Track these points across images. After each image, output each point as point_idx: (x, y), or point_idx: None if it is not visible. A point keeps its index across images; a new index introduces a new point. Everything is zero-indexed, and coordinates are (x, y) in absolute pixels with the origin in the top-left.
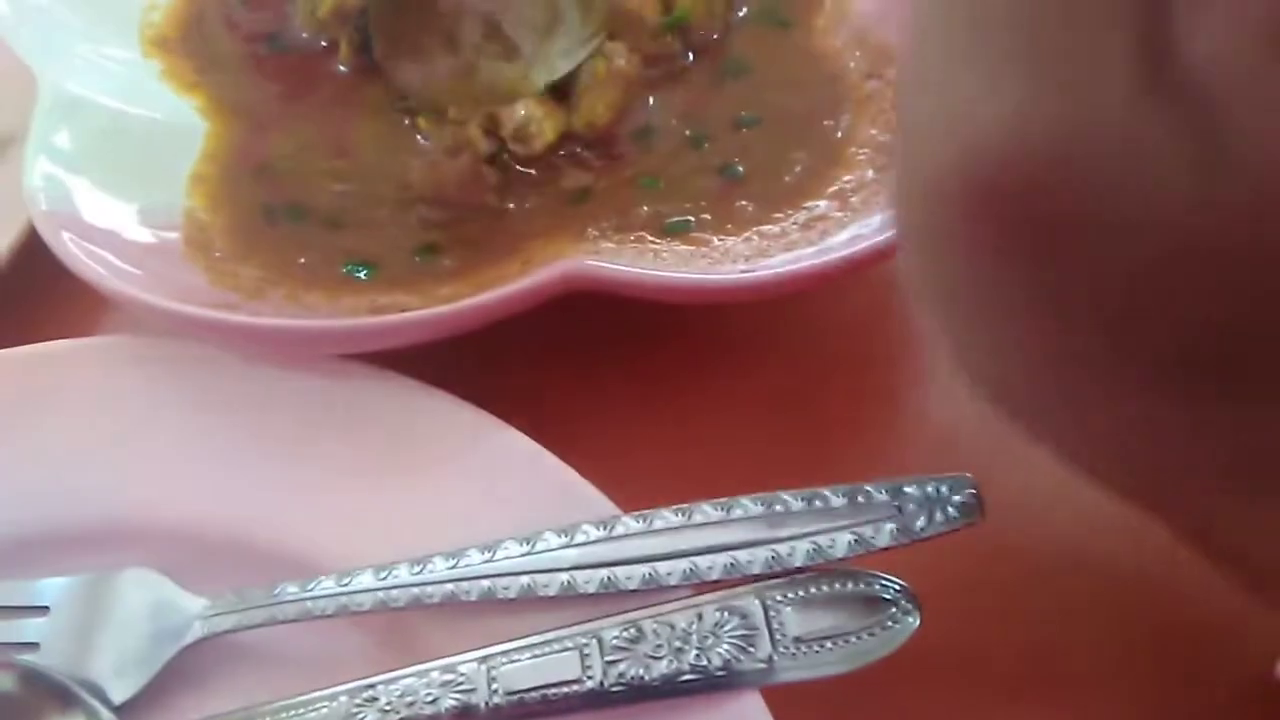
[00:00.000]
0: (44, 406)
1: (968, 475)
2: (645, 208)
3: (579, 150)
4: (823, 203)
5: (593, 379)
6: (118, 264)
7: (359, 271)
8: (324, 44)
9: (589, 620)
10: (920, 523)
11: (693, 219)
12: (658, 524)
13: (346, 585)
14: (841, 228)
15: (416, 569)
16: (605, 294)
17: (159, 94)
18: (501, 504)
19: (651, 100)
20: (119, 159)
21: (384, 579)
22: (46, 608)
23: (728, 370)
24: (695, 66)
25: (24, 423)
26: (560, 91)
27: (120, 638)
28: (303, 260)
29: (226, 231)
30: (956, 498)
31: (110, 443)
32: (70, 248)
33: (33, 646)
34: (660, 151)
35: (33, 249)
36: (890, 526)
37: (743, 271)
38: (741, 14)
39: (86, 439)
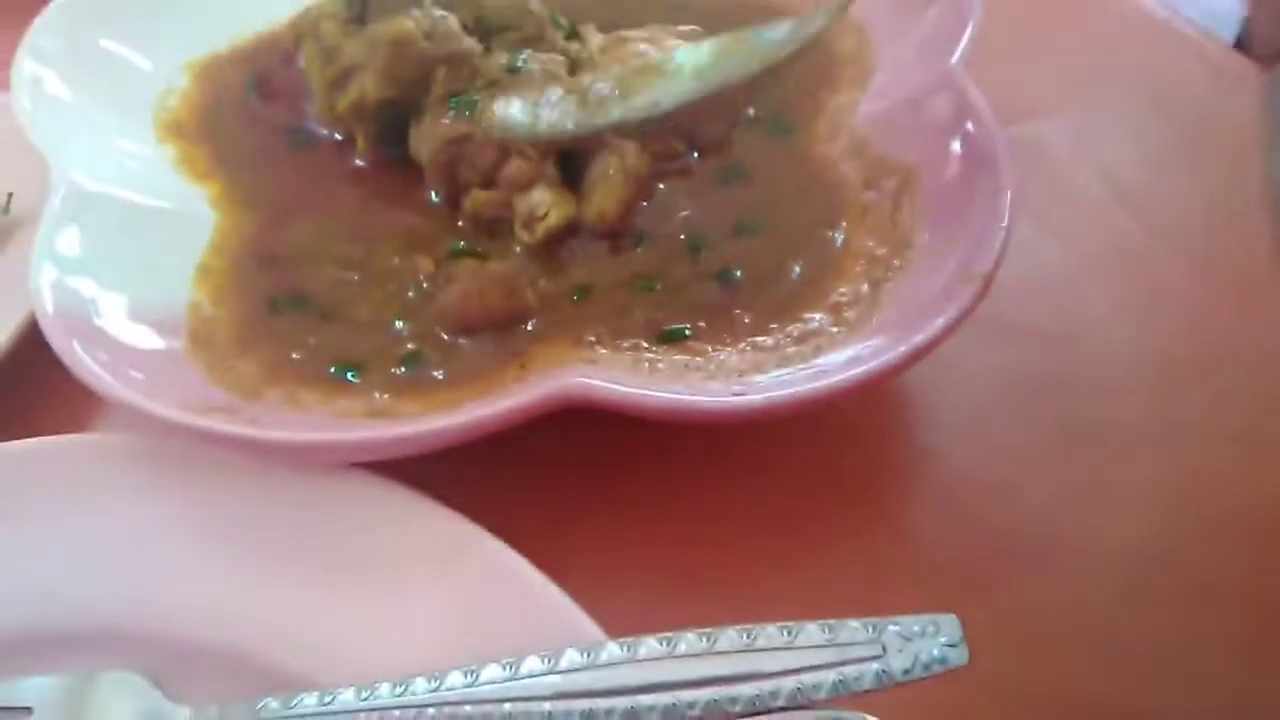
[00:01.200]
0: (32, 502)
1: (952, 616)
2: (640, 312)
3: (580, 244)
4: (818, 315)
5: (579, 489)
6: (120, 368)
7: (347, 374)
8: (339, 138)
9: None
10: (904, 665)
11: (689, 328)
12: (641, 653)
13: (329, 704)
14: (834, 345)
15: (399, 690)
16: (599, 411)
17: (171, 183)
18: (486, 619)
19: (652, 202)
20: (127, 251)
21: (365, 699)
22: (29, 709)
23: (718, 486)
24: (699, 167)
25: (10, 518)
26: (570, 183)
27: None
28: (296, 356)
29: (228, 323)
30: (942, 639)
31: (98, 543)
32: (77, 354)
33: None
34: (659, 254)
35: (33, 338)
36: (874, 668)
37: (735, 393)
38: (750, 114)
39: (73, 538)
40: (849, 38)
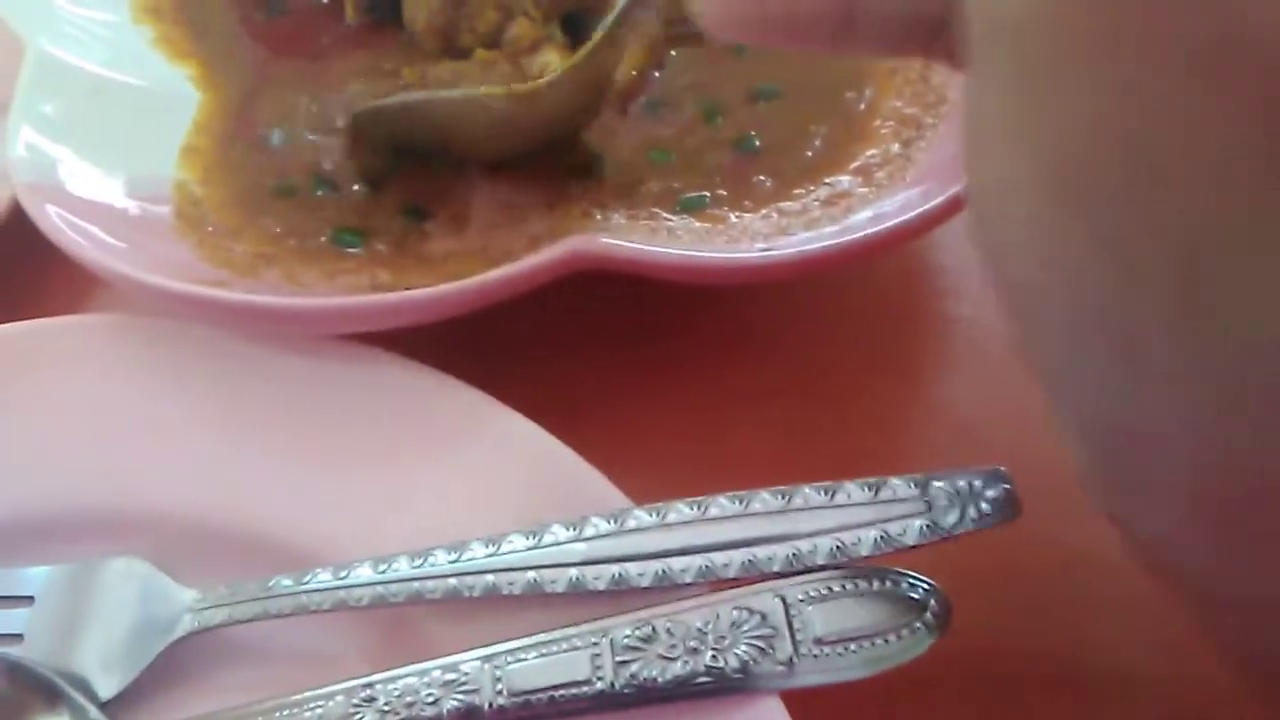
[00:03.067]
0: (27, 386)
1: (1001, 469)
2: (655, 184)
3: None
4: (845, 178)
5: (602, 363)
6: (105, 238)
7: (348, 242)
8: (325, 2)
9: (599, 619)
10: (951, 519)
11: (708, 195)
12: (671, 518)
13: (344, 578)
14: (866, 204)
15: (417, 562)
16: (617, 273)
17: (150, 62)
18: (506, 492)
19: (664, 68)
20: (107, 128)
21: (383, 572)
22: (31, 598)
23: (744, 356)
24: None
25: (4, 403)
26: (576, 46)
27: (107, 630)
28: (293, 242)
29: (220, 206)
30: (990, 492)
31: (96, 425)
32: (55, 220)
33: (16, 638)
34: (672, 122)
35: (19, 222)
36: (919, 523)
37: (763, 250)
38: None
39: (71, 421)
40: None
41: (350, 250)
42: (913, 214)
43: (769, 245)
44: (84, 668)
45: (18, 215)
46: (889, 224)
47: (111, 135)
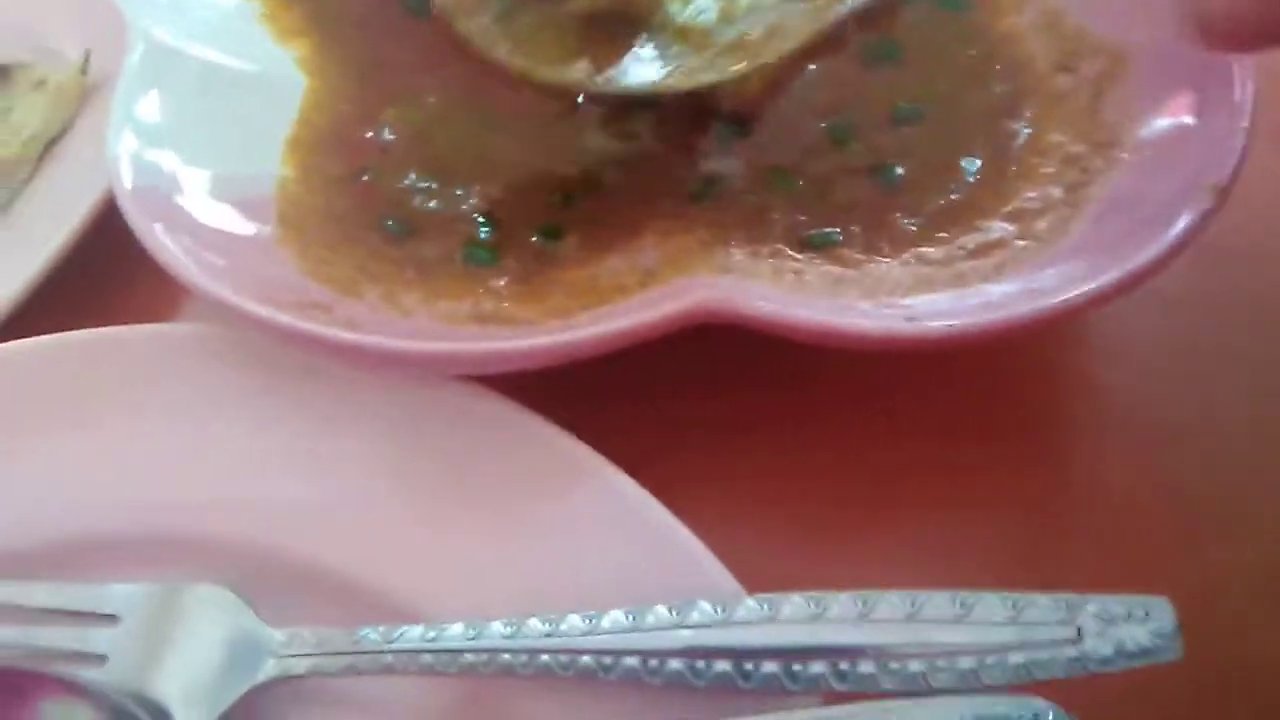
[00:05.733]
0: (116, 397)
1: (1164, 600)
2: (781, 214)
3: (708, 129)
4: (999, 224)
5: (712, 411)
6: (205, 256)
7: (480, 257)
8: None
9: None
10: (1103, 652)
11: (839, 232)
12: (785, 613)
13: (433, 641)
14: (1022, 262)
15: (510, 630)
16: (742, 328)
17: (256, 40)
18: (605, 557)
19: (797, 83)
20: (210, 121)
21: (474, 638)
22: (116, 616)
23: (860, 415)
24: (852, 40)
25: (93, 414)
26: None
27: (192, 660)
28: (394, 257)
29: (319, 212)
30: (1150, 626)
31: (184, 443)
32: (159, 238)
33: (101, 659)
34: (801, 144)
35: (110, 214)
36: (1066, 654)
37: (909, 320)
38: None
39: (159, 437)
40: None
41: (478, 267)
42: (1080, 293)
43: (912, 311)
44: (166, 697)
45: (111, 208)
46: (1051, 303)
47: (214, 129)
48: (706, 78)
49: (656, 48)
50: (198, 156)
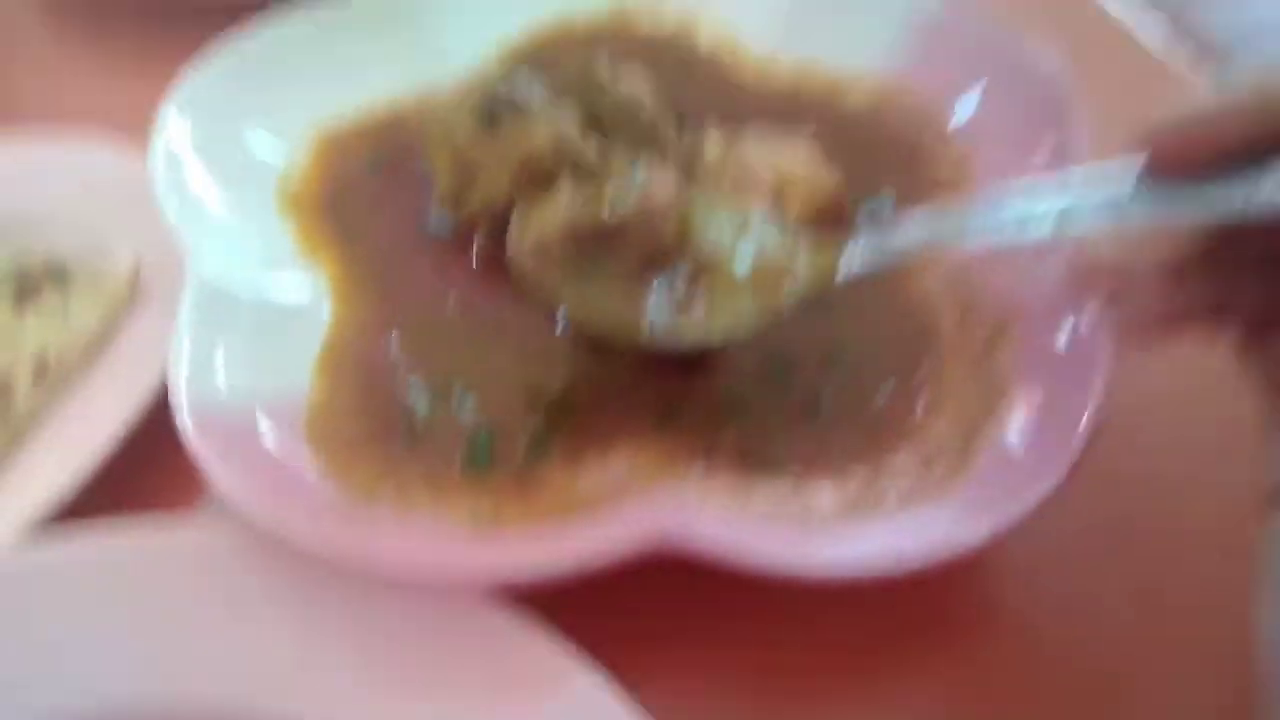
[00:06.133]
0: (133, 592)
1: None
2: (730, 440)
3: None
4: (911, 458)
5: (664, 606)
6: (241, 463)
7: (477, 464)
8: (455, 228)
9: None
10: None
11: (780, 456)
12: None
13: None
14: (928, 495)
15: None
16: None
17: (291, 261)
18: None
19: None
20: (251, 343)
21: None
22: None
23: (797, 616)
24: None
25: (110, 604)
26: None
27: None
28: (406, 455)
29: (342, 417)
30: None
31: (196, 633)
32: (208, 458)
33: None
34: (748, 375)
35: (155, 412)
36: None
37: (831, 555)
38: None
39: (172, 628)
40: (948, 168)
41: (476, 473)
42: (969, 534)
43: (838, 540)
44: None
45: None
46: (952, 538)
47: (256, 352)
48: (734, 332)
49: (685, 282)
50: (243, 376)
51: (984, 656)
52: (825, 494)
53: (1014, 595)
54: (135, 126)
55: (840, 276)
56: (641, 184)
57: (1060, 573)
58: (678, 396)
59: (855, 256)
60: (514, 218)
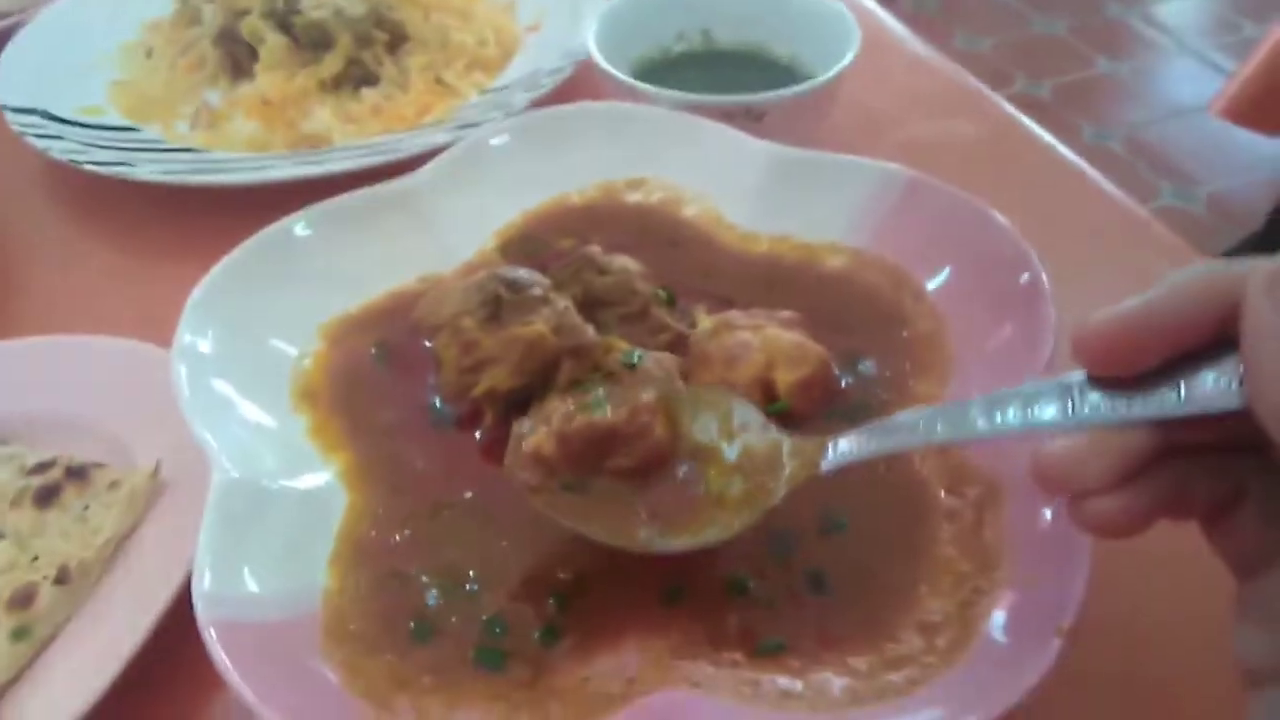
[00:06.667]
0: None
1: None
2: (735, 621)
3: None
4: (911, 636)
5: None
6: (263, 677)
7: (491, 660)
8: (461, 414)
9: None
10: None
11: (785, 641)
12: None
13: None
14: (929, 677)
15: None
16: None
17: (305, 456)
18: None
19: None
20: (270, 542)
21: None
22: None
23: None
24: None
25: None
26: None
27: None
28: (420, 661)
29: (356, 617)
30: None
31: None
32: (230, 672)
33: None
34: (747, 553)
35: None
36: None
37: None
38: (828, 415)
39: None
40: (925, 321)
41: (490, 671)
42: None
43: None
44: None
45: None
46: None
47: (275, 551)
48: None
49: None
50: (260, 584)
51: None
52: (832, 678)
53: None
54: (150, 328)
55: (825, 467)
56: (641, 360)
57: None
58: (682, 579)
59: (837, 449)
60: (513, 430)
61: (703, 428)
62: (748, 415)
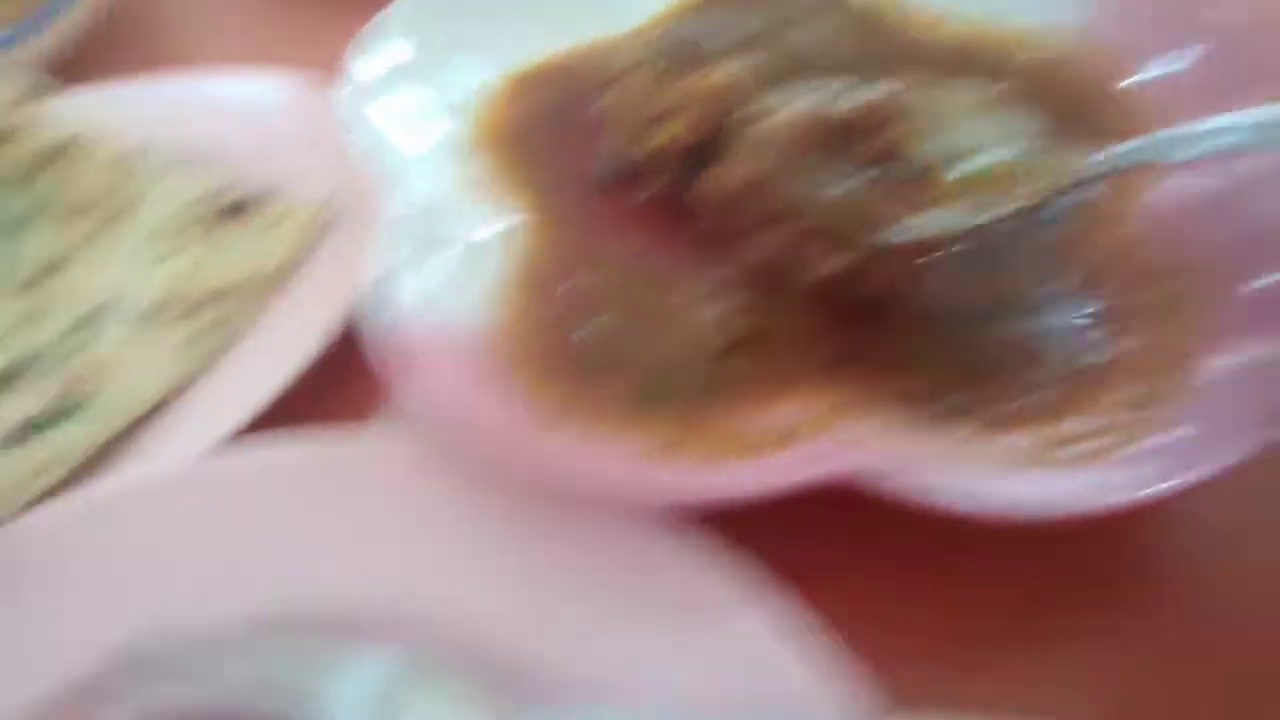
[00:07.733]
0: (325, 499)
1: None
2: (911, 385)
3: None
4: (1105, 412)
5: (854, 530)
6: (435, 377)
7: (656, 397)
8: (633, 172)
9: None
10: None
11: (970, 404)
12: None
13: None
14: (1124, 449)
15: None
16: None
17: (479, 197)
18: (762, 675)
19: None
20: (444, 269)
21: None
22: None
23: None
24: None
25: (298, 512)
26: None
27: None
28: (590, 392)
29: (527, 352)
30: None
31: (381, 539)
32: (399, 366)
33: None
34: (930, 319)
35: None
36: None
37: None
38: None
39: (364, 534)
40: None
41: (653, 404)
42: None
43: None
44: None
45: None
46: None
47: (449, 275)
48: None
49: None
50: (433, 300)
51: (1164, 613)
52: (1013, 439)
53: (1205, 551)
54: (318, 67)
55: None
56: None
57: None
58: (852, 346)
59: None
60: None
61: (950, 126)
62: (1000, 119)
